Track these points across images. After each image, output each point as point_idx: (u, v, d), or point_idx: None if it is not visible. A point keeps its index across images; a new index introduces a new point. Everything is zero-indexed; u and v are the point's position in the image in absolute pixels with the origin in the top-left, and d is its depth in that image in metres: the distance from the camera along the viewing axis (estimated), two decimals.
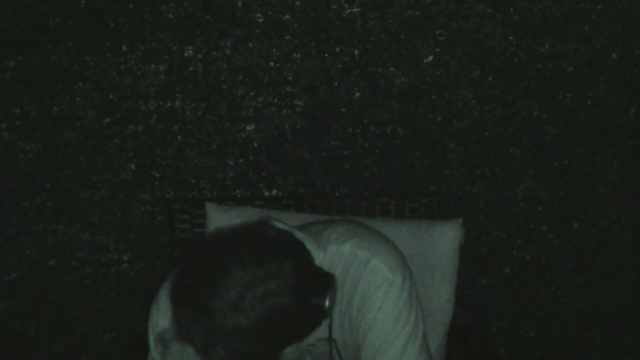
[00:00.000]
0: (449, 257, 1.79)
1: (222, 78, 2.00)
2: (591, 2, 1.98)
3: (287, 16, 1.95)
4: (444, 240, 1.78)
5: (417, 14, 1.97)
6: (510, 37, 2.00)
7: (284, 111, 2.03)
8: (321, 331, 1.36)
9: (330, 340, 1.39)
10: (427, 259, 1.77)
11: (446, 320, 1.78)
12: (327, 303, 1.22)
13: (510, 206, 2.16)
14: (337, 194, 2.11)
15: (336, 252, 1.37)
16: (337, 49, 1.99)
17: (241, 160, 2.07)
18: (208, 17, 1.95)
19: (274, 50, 1.98)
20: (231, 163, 2.07)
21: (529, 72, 2.03)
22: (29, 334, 2.20)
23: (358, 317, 1.35)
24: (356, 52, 1.99)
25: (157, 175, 2.08)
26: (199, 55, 1.97)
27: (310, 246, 1.33)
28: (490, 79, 2.04)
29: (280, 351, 1.22)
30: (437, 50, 2.00)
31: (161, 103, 2.01)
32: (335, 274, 1.33)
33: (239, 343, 1.14)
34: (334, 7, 1.96)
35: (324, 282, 1.24)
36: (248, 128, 2.04)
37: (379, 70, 2.01)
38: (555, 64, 2.03)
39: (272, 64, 1.99)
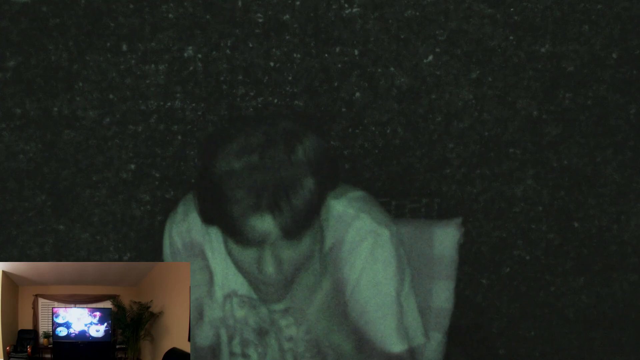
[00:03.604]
0: (448, 257, 1.79)
1: (222, 78, 2.00)
2: (591, 2, 1.98)
3: (287, 16, 1.95)
4: (443, 240, 1.78)
5: (417, 14, 1.97)
6: (510, 37, 2.00)
7: (284, 111, 2.03)
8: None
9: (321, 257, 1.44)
10: (426, 258, 1.78)
11: (446, 320, 1.78)
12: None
13: (510, 206, 2.16)
14: None
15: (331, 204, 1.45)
16: (337, 49, 1.99)
17: None
18: (208, 17, 1.95)
19: (274, 50, 1.98)
20: None
21: (529, 72, 2.03)
22: None
23: (347, 265, 1.43)
24: (356, 52, 1.99)
25: (157, 175, 2.08)
26: (199, 55, 1.97)
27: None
28: (490, 79, 2.04)
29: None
30: (437, 50, 2.00)
31: (161, 103, 2.01)
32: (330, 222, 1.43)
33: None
34: (334, 7, 1.96)
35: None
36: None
37: (379, 70, 2.01)
38: (555, 64, 2.03)
39: (272, 64, 1.99)
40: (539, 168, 2.12)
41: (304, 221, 1.26)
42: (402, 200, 1.98)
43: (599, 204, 2.17)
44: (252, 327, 1.53)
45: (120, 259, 2.15)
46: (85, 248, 2.13)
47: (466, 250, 2.15)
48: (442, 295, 1.77)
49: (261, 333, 1.52)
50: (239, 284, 1.51)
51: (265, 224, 1.25)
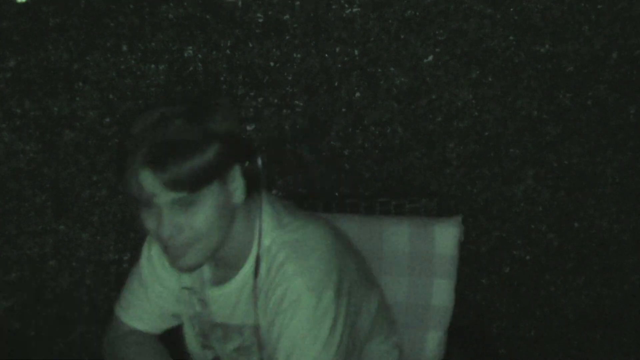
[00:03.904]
0: (449, 256, 1.79)
1: (222, 78, 2.00)
2: (591, 2, 1.98)
3: (287, 16, 1.96)
4: (443, 239, 1.78)
5: (417, 14, 1.97)
6: (510, 37, 2.00)
7: (284, 111, 2.03)
8: (249, 317, 1.40)
9: (257, 326, 1.40)
10: (426, 257, 1.77)
11: (445, 319, 1.78)
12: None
13: (510, 206, 2.16)
14: (337, 194, 2.11)
15: (276, 245, 1.38)
16: (337, 49, 1.99)
17: None
18: (208, 17, 1.95)
19: (274, 50, 1.98)
20: None
21: (529, 72, 2.03)
22: (29, 334, 2.20)
23: (271, 322, 1.36)
24: (356, 52, 1.99)
25: None
26: (199, 55, 1.97)
27: (268, 218, 1.39)
28: (490, 79, 2.04)
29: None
30: (437, 50, 2.00)
31: None
32: (262, 265, 1.37)
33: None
34: (334, 7, 1.96)
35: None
36: (248, 128, 2.04)
37: (379, 70, 2.01)
38: (555, 64, 2.03)
39: (272, 64, 1.99)
40: (539, 168, 2.12)
41: (191, 180, 1.24)
42: (402, 200, 1.98)
43: (599, 204, 2.17)
44: (209, 321, 1.51)
45: (120, 259, 2.15)
46: (85, 248, 2.13)
47: (466, 250, 2.15)
48: (443, 293, 1.77)
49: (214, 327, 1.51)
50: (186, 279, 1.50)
51: (146, 179, 1.25)
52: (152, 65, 1.98)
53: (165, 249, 1.32)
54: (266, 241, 1.38)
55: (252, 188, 1.34)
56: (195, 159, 1.24)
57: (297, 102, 2.02)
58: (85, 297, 2.17)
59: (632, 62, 2.04)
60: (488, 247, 2.20)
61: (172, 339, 1.59)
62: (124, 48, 1.96)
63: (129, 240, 2.13)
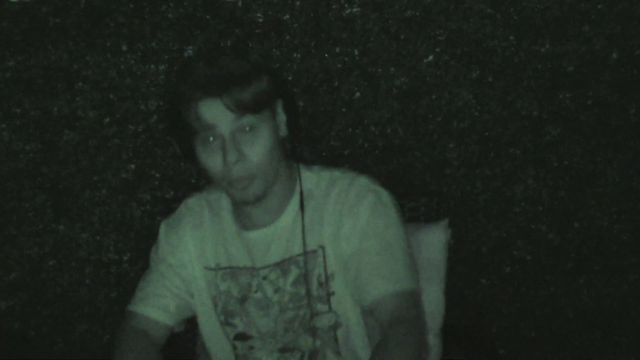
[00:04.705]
0: (436, 260, 1.77)
1: None
2: (591, 2, 1.98)
3: (287, 16, 1.96)
4: (429, 244, 1.77)
5: (417, 14, 1.97)
6: (510, 37, 2.00)
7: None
8: (297, 248, 1.50)
9: (304, 253, 1.49)
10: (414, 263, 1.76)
11: (436, 323, 1.76)
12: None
13: (510, 206, 2.16)
14: None
15: (323, 173, 1.53)
16: (337, 49, 1.99)
17: None
18: (208, 17, 1.95)
19: (274, 50, 1.98)
20: None
21: (529, 72, 2.03)
22: (29, 334, 2.20)
23: (347, 229, 1.47)
24: (356, 52, 1.99)
25: (157, 175, 2.08)
26: None
27: (304, 168, 1.53)
28: (490, 79, 2.04)
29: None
30: (437, 50, 2.00)
31: (161, 103, 2.01)
32: (320, 191, 1.50)
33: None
34: (334, 7, 1.96)
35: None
36: None
37: (379, 70, 2.01)
38: (555, 64, 2.03)
39: (272, 64, 1.99)
40: (539, 168, 2.12)
41: (253, 101, 1.37)
42: (401, 200, 1.97)
43: (599, 204, 2.17)
44: (236, 297, 1.55)
45: (120, 259, 2.15)
46: (85, 248, 2.13)
47: (466, 250, 2.15)
48: (432, 299, 1.76)
49: (243, 301, 1.54)
50: (220, 256, 1.56)
51: (210, 108, 1.36)
52: (152, 65, 1.98)
53: (231, 182, 1.41)
54: (307, 185, 1.51)
55: (292, 125, 1.46)
56: (253, 84, 1.37)
57: (297, 102, 2.03)
58: (85, 297, 2.17)
59: (632, 62, 2.04)
60: (488, 247, 2.19)
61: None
62: (124, 48, 1.96)
63: (129, 240, 2.13)
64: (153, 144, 2.05)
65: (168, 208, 2.02)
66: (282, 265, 1.52)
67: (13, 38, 1.94)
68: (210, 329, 1.60)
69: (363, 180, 1.52)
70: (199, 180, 2.08)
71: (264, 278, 1.53)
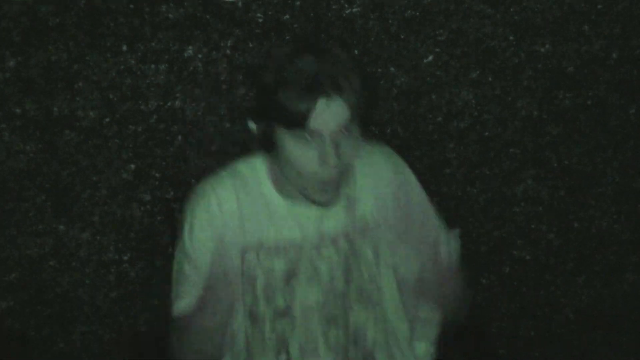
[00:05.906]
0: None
1: (222, 78, 2.00)
2: (591, 2, 1.98)
3: (287, 16, 1.96)
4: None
5: (417, 14, 1.97)
6: (510, 37, 2.00)
7: None
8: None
9: (355, 227, 1.51)
10: None
11: (432, 330, 1.76)
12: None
13: (510, 206, 2.16)
14: None
15: (369, 148, 1.58)
16: None
17: None
18: (208, 17, 1.95)
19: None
20: None
21: (529, 72, 2.03)
22: (29, 334, 2.20)
23: (398, 203, 1.55)
24: (356, 52, 2.00)
25: (157, 175, 2.08)
26: (199, 55, 1.98)
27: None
28: (490, 79, 2.04)
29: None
30: (437, 50, 2.00)
31: (161, 103, 2.01)
32: (370, 168, 1.55)
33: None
34: (334, 7, 1.96)
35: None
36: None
37: (379, 70, 2.01)
38: (555, 64, 2.03)
39: None
40: (539, 168, 2.12)
41: (359, 104, 1.35)
42: None
43: (599, 204, 2.17)
44: (279, 274, 1.50)
45: (120, 259, 2.15)
46: (85, 248, 2.13)
47: (466, 250, 2.15)
48: (429, 307, 1.76)
49: (288, 278, 1.50)
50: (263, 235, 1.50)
51: (328, 107, 1.31)
52: (152, 65, 1.98)
53: (321, 184, 1.37)
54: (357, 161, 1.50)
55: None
56: (360, 85, 1.35)
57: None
58: (85, 297, 2.17)
59: (632, 62, 2.04)
60: (488, 247, 2.20)
61: None
62: (124, 48, 1.96)
63: (129, 240, 2.13)
64: (153, 144, 2.05)
65: (168, 208, 2.02)
66: (335, 240, 1.51)
67: (13, 38, 1.94)
68: (254, 311, 1.53)
69: (396, 156, 1.61)
70: (199, 181, 2.08)
71: (317, 251, 1.50)
